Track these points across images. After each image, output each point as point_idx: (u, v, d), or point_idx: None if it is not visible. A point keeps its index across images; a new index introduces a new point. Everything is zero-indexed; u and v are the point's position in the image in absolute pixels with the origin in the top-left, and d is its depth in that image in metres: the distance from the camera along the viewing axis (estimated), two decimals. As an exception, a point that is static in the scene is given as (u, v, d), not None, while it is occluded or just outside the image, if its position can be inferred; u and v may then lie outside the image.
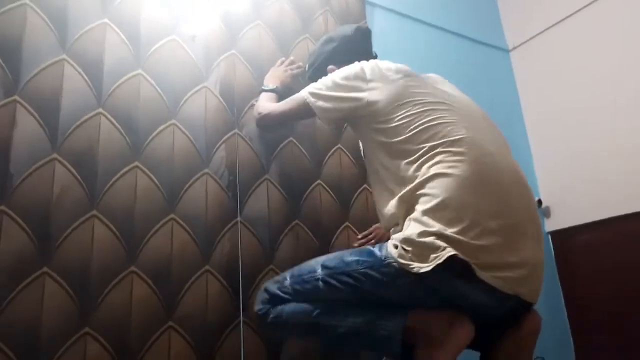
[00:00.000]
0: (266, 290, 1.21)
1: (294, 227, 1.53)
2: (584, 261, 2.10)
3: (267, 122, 1.51)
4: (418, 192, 1.01)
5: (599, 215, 2.04)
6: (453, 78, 1.33)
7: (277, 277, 1.25)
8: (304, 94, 1.31)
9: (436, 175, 1.00)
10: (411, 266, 0.94)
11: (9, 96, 1.19)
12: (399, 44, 2.05)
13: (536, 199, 2.21)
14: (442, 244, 0.92)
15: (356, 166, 1.72)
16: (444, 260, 0.91)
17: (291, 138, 1.62)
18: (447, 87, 1.24)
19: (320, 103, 1.25)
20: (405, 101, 1.11)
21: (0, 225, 1.10)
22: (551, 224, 2.23)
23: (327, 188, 1.63)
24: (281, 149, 1.59)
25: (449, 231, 0.93)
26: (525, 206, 1.03)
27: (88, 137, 1.27)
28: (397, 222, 1.05)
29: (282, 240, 1.49)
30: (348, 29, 1.49)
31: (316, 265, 1.12)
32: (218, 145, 1.48)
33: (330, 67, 1.43)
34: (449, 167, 1.00)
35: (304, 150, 1.63)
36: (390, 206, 1.06)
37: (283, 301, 1.15)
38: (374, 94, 1.15)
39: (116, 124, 1.32)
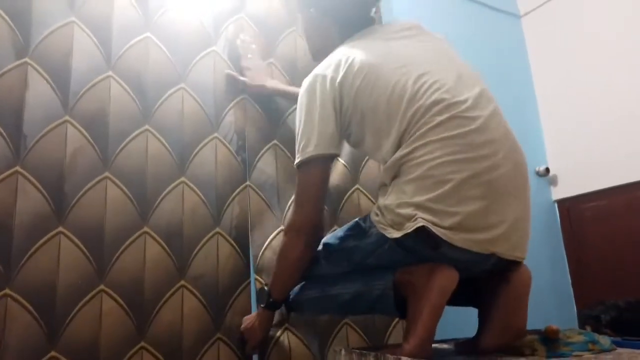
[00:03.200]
0: None
1: (303, 192, 1.54)
2: (590, 230, 2.11)
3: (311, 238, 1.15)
4: (404, 159, 1.00)
5: (606, 184, 2.04)
6: (461, 44, 1.30)
7: None
8: (301, 159, 1.09)
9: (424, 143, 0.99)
10: (387, 231, 0.99)
11: (20, 58, 1.20)
12: (404, 8, 2.02)
13: (544, 167, 2.22)
14: (416, 213, 0.95)
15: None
16: (415, 229, 0.94)
17: (299, 104, 1.62)
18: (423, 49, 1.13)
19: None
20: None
21: (15, 185, 1.13)
22: (558, 192, 2.24)
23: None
24: (289, 114, 1.59)
25: (427, 199, 0.95)
26: (512, 166, 1.01)
27: (99, 100, 1.28)
28: (385, 183, 1.06)
29: (290, 204, 1.51)
30: None
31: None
32: (227, 109, 1.49)
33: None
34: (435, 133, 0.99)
35: (312, 116, 1.63)
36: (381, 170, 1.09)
37: None
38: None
39: (126, 87, 1.33)
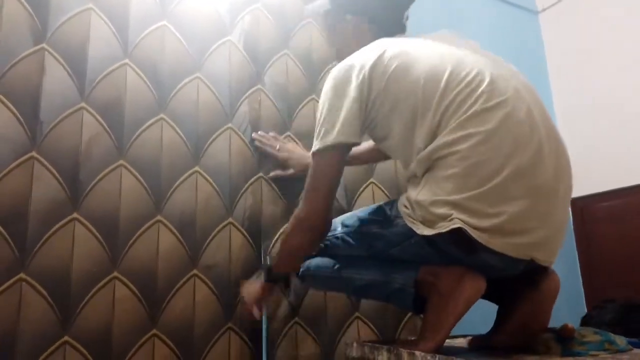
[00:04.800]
0: None
1: (315, 184, 1.54)
2: (603, 230, 2.09)
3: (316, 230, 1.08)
4: (441, 152, 0.93)
5: (621, 184, 2.02)
6: (478, 40, 1.28)
7: None
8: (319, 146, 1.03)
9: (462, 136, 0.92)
10: (417, 226, 0.94)
11: (38, 44, 1.20)
12: (424, 4, 2.00)
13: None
14: (453, 212, 0.88)
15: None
16: (449, 230, 0.89)
17: (313, 96, 1.61)
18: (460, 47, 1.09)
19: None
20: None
21: (32, 170, 1.13)
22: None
23: (349, 147, 1.63)
24: (303, 106, 1.58)
25: (467, 197, 0.88)
26: (556, 164, 0.95)
27: (115, 87, 1.28)
28: (416, 175, 1.00)
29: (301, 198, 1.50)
30: None
31: (337, 223, 1.14)
32: (242, 100, 1.48)
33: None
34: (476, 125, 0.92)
35: (326, 108, 1.62)
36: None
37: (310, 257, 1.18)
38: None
39: (142, 75, 1.33)
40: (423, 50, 1.02)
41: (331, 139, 1.00)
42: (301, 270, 1.18)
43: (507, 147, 0.89)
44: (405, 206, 0.98)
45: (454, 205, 0.89)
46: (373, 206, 1.12)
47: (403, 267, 1.02)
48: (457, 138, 0.90)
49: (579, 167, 2.16)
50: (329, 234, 1.12)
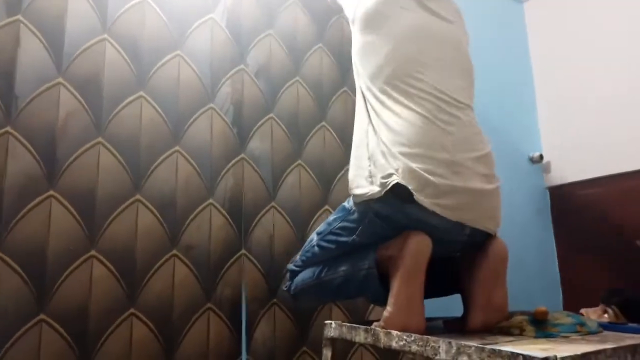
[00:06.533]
0: (287, 272, 1.29)
1: (297, 167, 1.53)
2: (581, 217, 2.13)
3: None
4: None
5: (600, 172, 2.05)
6: None
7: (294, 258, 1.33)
8: None
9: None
10: (366, 194, 1.02)
11: (12, 16, 1.16)
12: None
13: (538, 153, 2.23)
14: (391, 169, 0.98)
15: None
16: (391, 187, 0.97)
17: (297, 78, 1.60)
18: None
19: None
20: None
21: (6, 146, 1.11)
22: (551, 179, 2.25)
23: (332, 130, 1.62)
24: (287, 88, 1.57)
25: (401, 154, 0.99)
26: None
27: (93, 62, 1.25)
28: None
29: (284, 179, 1.50)
30: None
31: (313, 235, 1.24)
32: (224, 80, 1.46)
33: None
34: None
35: (309, 91, 1.61)
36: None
37: (298, 274, 1.24)
38: None
39: (121, 51, 1.30)
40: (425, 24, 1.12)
41: None
42: (292, 289, 1.24)
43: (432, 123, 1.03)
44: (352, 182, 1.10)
45: (389, 155, 1.01)
46: (337, 208, 1.21)
47: (365, 254, 1.08)
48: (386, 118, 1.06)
49: (557, 155, 2.22)
50: (309, 245, 1.22)
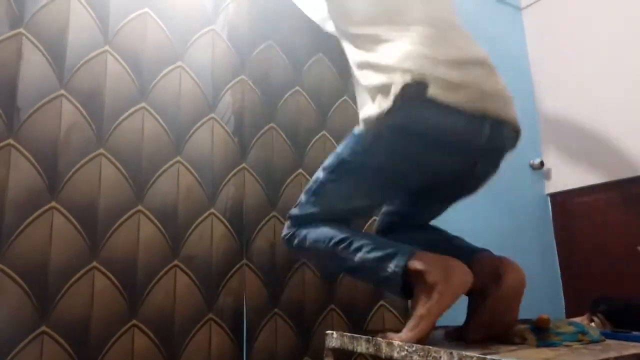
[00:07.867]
0: (289, 217, 1.20)
1: (298, 177, 1.54)
2: (582, 224, 2.13)
3: None
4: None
5: (601, 179, 2.05)
6: None
7: (296, 202, 1.23)
8: None
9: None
10: (377, 111, 1.00)
11: (15, 29, 1.17)
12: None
13: (538, 160, 2.23)
14: (397, 78, 0.97)
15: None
16: (401, 89, 0.96)
17: (297, 87, 1.61)
18: None
19: None
20: None
21: (8, 158, 1.11)
22: (551, 186, 2.25)
23: (332, 139, 1.63)
24: (287, 97, 1.58)
25: (404, 66, 0.99)
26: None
27: (95, 75, 1.26)
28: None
29: (285, 188, 1.51)
30: None
31: (318, 173, 1.16)
32: (225, 90, 1.47)
33: None
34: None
35: (310, 100, 1.62)
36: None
37: (304, 220, 1.15)
38: None
39: (123, 63, 1.31)
40: None
41: None
42: (296, 241, 1.15)
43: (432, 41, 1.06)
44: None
45: (393, 69, 1.01)
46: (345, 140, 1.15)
47: (393, 255, 1.01)
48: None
49: (558, 162, 2.22)
50: (315, 184, 1.14)
